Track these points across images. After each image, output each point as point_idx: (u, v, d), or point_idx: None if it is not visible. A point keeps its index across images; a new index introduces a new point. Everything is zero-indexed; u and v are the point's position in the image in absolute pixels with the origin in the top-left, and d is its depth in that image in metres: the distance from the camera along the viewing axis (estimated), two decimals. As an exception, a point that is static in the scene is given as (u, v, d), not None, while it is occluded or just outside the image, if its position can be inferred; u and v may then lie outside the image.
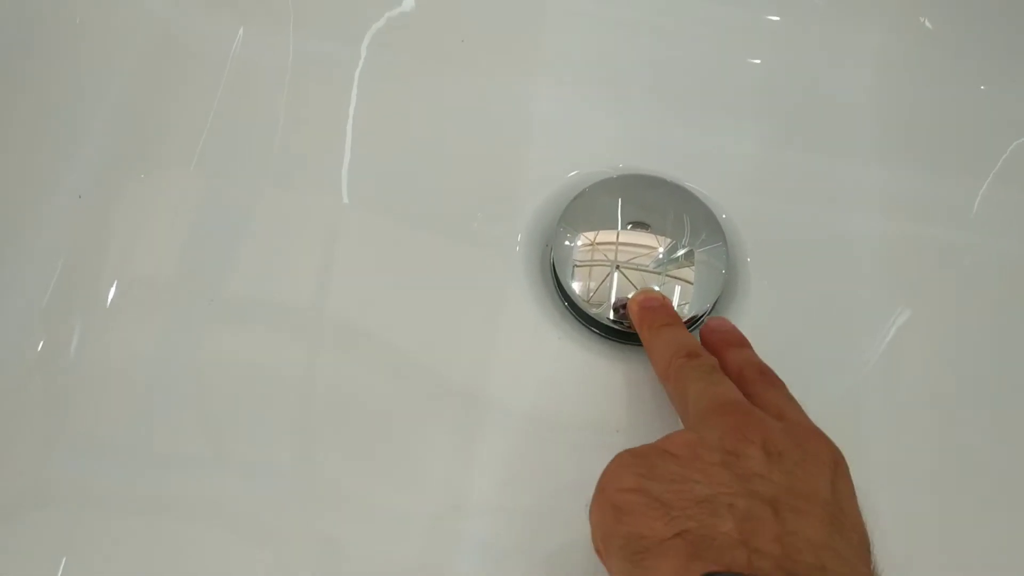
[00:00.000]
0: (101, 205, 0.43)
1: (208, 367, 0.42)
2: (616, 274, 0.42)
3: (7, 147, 0.41)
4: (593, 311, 0.42)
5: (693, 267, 0.42)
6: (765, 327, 0.43)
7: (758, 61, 0.49)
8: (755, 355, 0.39)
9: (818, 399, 0.41)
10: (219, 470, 0.40)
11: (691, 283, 0.42)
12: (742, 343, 0.40)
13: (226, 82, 0.47)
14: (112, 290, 0.42)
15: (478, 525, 0.40)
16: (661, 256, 0.43)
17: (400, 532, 0.39)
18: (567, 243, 0.43)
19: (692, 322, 0.42)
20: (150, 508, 0.39)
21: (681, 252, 0.43)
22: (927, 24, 0.48)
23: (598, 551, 0.33)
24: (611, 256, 0.43)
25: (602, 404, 0.42)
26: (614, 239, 0.43)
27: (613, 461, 0.33)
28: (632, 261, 0.43)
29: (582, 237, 0.43)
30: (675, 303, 0.42)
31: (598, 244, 0.43)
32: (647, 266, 0.42)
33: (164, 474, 0.40)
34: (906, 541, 0.38)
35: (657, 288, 0.42)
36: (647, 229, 0.43)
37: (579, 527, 0.36)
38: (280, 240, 0.45)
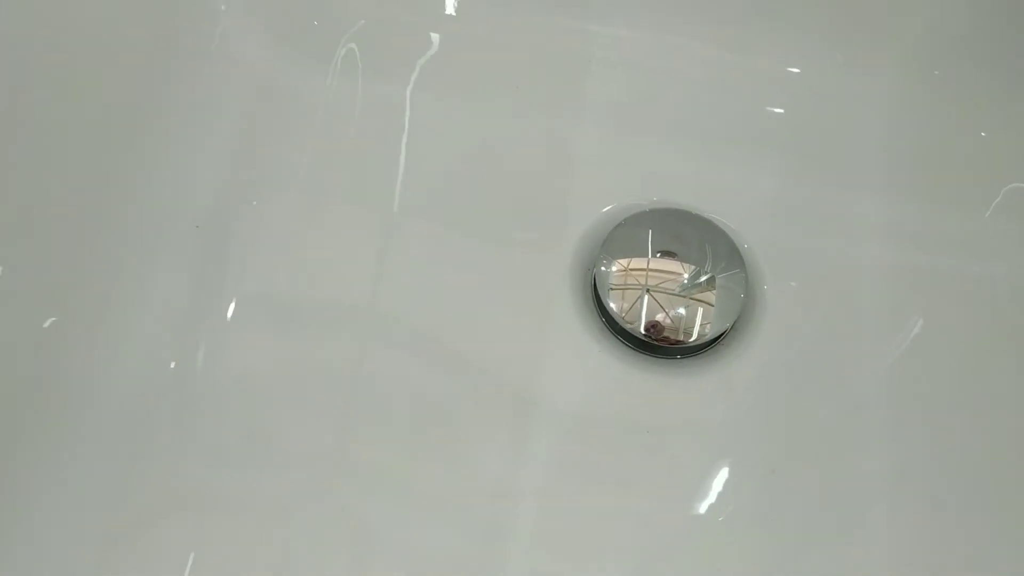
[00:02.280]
0: (219, 229, 0.50)
1: (311, 372, 0.48)
2: (646, 296, 0.48)
3: (136, 187, 0.48)
4: (628, 327, 0.48)
5: (714, 291, 0.48)
6: (780, 345, 0.48)
7: (778, 107, 0.55)
8: None
9: (824, 408, 0.47)
10: (315, 467, 0.46)
11: (712, 305, 0.48)
12: None
13: (318, 121, 0.54)
14: (231, 307, 0.49)
15: (526, 512, 0.46)
16: (686, 281, 0.49)
17: (458, 521, 0.46)
18: (604, 268, 0.49)
19: (715, 340, 0.48)
20: (265, 507, 0.45)
21: (704, 278, 0.49)
22: (936, 74, 0.54)
23: None
24: (642, 281, 0.49)
25: (634, 408, 0.48)
26: (645, 266, 0.49)
27: None
28: (660, 285, 0.49)
29: (618, 263, 0.49)
30: (697, 323, 0.48)
31: (631, 270, 0.49)
32: (673, 290, 0.49)
33: (277, 474, 0.46)
34: (898, 547, 0.44)
35: (683, 310, 0.48)
36: (675, 257, 0.49)
37: (615, 515, 0.43)
38: (374, 254, 0.51)
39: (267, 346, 0.48)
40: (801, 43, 0.55)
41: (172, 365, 0.47)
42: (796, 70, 0.55)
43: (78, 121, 0.45)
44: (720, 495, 0.46)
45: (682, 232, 0.50)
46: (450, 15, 0.56)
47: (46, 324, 0.44)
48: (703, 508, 0.46)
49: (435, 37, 0.56)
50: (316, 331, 0.49)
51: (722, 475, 0.47)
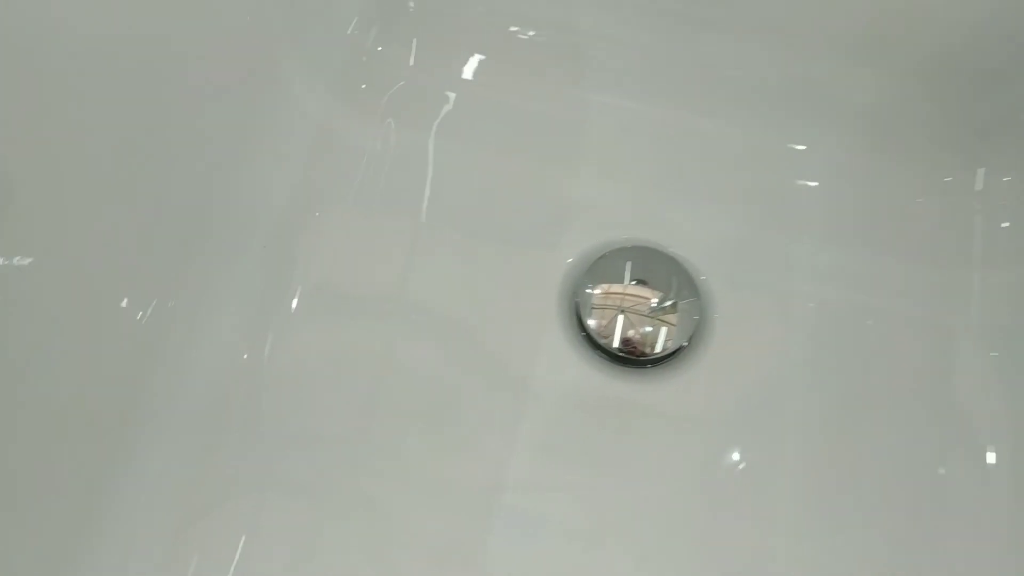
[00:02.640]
0: (287, 239, 0.62)
1: (353, 360, 0.59)
2: (621, 316, 0.60)
3: (223, 203, 0.60)
4: (602, 341, 0.60)
5: (676, 314, 0.60)
6: (724, 360, 0.60)
7: (737, 167, 0.67)
8: None
9: (759, 407, 0.59)
10: (364, 451, 0.58)
11: (674, 325, 0.60)
12: None
13: (364, 157, 0.66)
14: (295, 301, 0.61)
15: (514, 484, 0.57)
16: (654, 305, 0.60)
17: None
18: (587, 291, 0.61)
19: (674, 353, 0.60)
20: (315, 490, 0.56)
21: (668, 303, 0.60)
22: (879, 144, 0.65)
23: None
24: (618, 303, 0.60)
25: (607, 408, 0.60)
26: (621, 290, 0.61)
27: None
28: (633, 307, 0.60)
29: (599, 288, 0.61)
30: (661, 339, 0.60)
31: (610, 293, 0.61)
32: (643, 312, 0.60)
33: (330, 458, 0.57)
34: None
35: (649, 329, 0.60)
36: (645, 285, 0.61)
37: (591, 498, 0.55)
38: (403, 263, 0.63)
39: (320, 336, 0.60)
40: (762, 115, 0.66)
41: (245, 356, 0.59)
42: (757, 137, 0.67)
43: (182, 152, 0.58)
44: (676, 476, 0.58)
45: (652, 265, 0.62)
46: (470, 80, 0.68)
47: (145, 320, 0.56)
48: (661, 486, 0.57)
49: (457, 97, 0.68)
50: (356, 322, 0.61)
51: (678, 460, 0.58)
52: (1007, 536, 0.56)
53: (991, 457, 0.58)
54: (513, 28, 0.67)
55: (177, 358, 0.57)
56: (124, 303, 0.55)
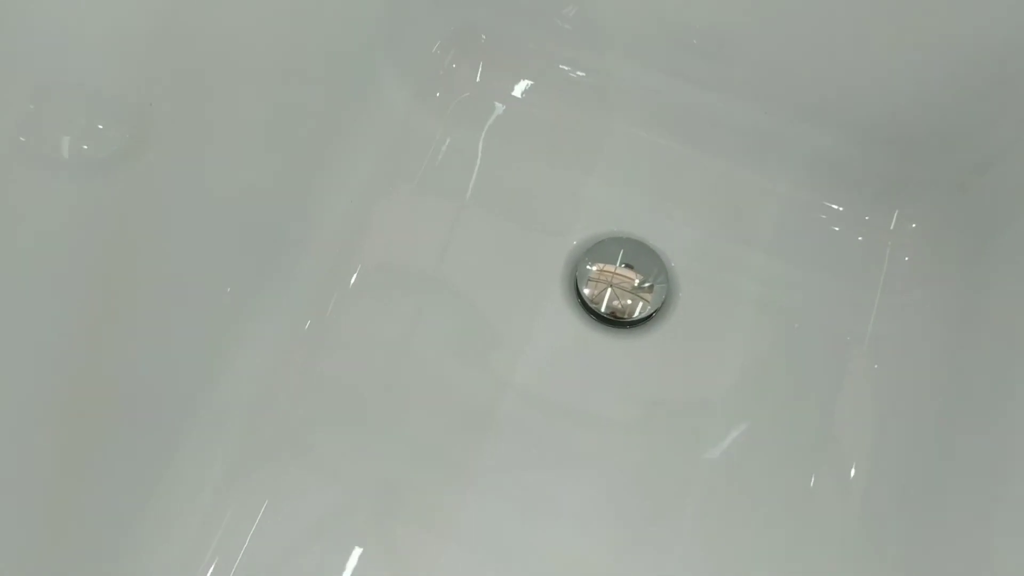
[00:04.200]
0: (357, 219, 0.82)
1: (396, 319, 0.80)
2: (609, 289, 0.80)
3: (310, 184, 0.81)
4: (593, 306, 0.80)
5: (651, 292, 0.80)
6: (684, 324, 0.80)
7: (714, 192, 0.87)
8: None
9: (704, 361, 0.79)
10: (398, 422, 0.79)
11: (648, 300, 0.80)
12: None
13: (429, 148, 0.87)
14: (354, 277, 0.81)
15: (508, 411, 0.77)
16: (636, 283, 0.81)
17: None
18: (586, 267, 0.81)
19: (647, 318, 0.80)
20: (339, 458, 0.78)
21: (647, 283, 0.81)
22: (820, 186, 0.86)
23: None
24: (608, 279, 0.81)
25: (597, 361, 0.80)
26: (612, 270, 0.81)
27: None
28: (620, 283, 0.81)
29: (594, 266, 0.81)
30: (639, 309, 0.80)
31: (602, 271, 0.81)
32: (626, 287, 0.80)
33: (370, 428, 0.78)
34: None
35: (629, 302, 0.80)
36: (631, 268, 0.81)
37: (576, 420, 0.75)
38: (447, 234, 0.84)
39: (377, 310, 0.80)
40: (739, 154, 0.87)
41: (307, 325, 0.79)
42: (732, 169, 0.87)
43: (296, 132, 0.78)
44: (642, 408, 0.78)
45: (636, 252, 0.82)
46: (520, 98, 0.89)
47: (228, 290, 0.74)
48: (630, 416, 0.77)
49: (507, 109, 0.89)
50: (402, 283, 0.81)
51: (645, 396, 0.78)
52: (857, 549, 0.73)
53: (851, 471, 0.75)
54: (563, 66, 0.88)
55: (247, 324, 0.75)
56: (215, 268, 0.72)
